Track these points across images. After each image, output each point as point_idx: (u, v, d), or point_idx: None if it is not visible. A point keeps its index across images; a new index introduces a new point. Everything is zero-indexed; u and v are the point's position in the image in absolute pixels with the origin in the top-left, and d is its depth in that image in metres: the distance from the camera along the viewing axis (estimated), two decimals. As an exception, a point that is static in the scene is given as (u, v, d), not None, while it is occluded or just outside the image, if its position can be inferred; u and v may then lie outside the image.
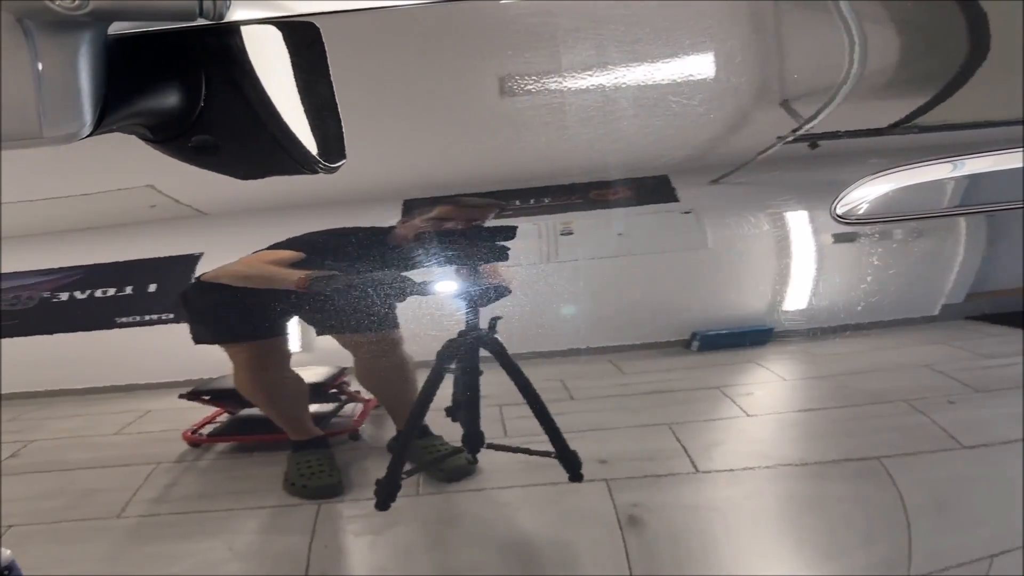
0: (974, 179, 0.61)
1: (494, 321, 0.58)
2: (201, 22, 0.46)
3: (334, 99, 0.56)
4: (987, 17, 0.63)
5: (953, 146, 0.62)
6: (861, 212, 0.60)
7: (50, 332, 0.59)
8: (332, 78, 0.56)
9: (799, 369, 0.65)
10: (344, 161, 0.56)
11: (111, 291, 0.58)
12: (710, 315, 0.63)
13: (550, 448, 0.61)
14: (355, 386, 0.62)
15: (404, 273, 0.58)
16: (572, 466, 0.62)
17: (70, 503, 0.64)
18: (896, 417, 0.65)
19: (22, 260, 0.59)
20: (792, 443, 0.67)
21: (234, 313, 0.61)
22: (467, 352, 0.58)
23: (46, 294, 0.58)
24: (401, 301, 0.59)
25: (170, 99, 0.52)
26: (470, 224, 0.58)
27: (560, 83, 0.58)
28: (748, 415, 0.64)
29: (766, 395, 0.65)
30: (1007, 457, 0.68)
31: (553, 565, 0.68)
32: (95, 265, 0.59)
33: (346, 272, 0.58)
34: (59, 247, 0.60)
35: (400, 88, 0.59)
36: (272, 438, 0.64)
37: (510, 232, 0.58)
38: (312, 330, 0.60)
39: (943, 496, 0.68)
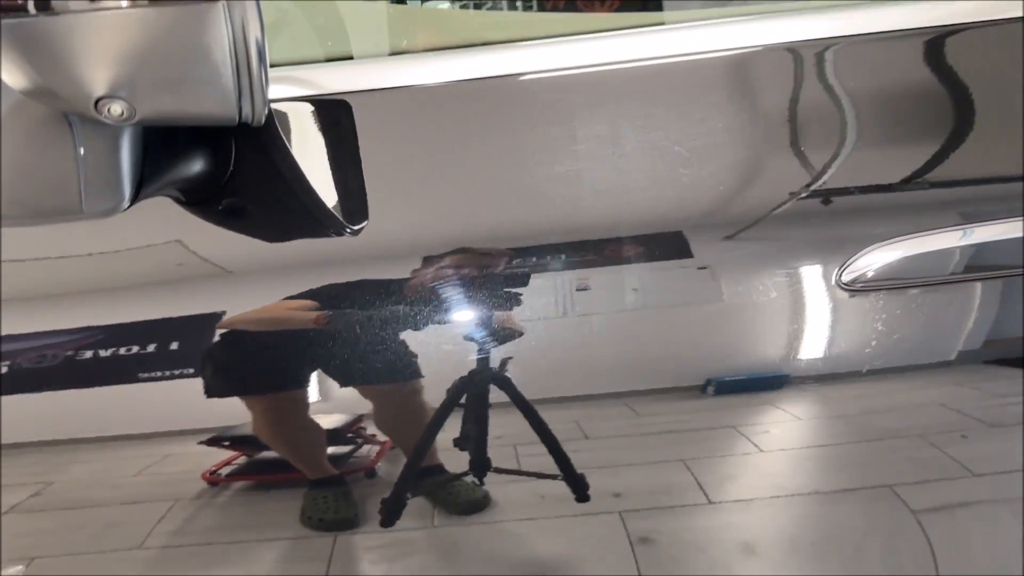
0: (984, 245, 0.61)
1: (505, 361, 0.60)
2: None
3: (360, 167, 0.59)
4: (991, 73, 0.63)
5: (967, 200, 0.62)
6: (868, 278, 0.61)
7: (74, 387, 0.61)
8: (359, 149, 0.60)
9: (814, 410, 0.66)
10: (366, 223, 0.58)
11: (135, 349, 0.60)
12: (725, 363, 0.63)
13: (556, 471, 0.63)
14: (371, 429, 0.63)
15: (419, 318, 0.59)
16: (579, 487, 0.64)
17: (93, 535, 0.66)
18: (909, 451, 0.66)
19: (49, 319, 0.61)
20: (806, 475, 0.68)
21: (252, 366, 0.63)
22: (478, 387, 0.59)
23: (70, 352, 0.60)
24: (412, 353, 0.60)
25: (201, 165, 0.54)
26: (483, 272, 0.59)
27: (575, 151, 0.60)
28: (762, 451, 0.64)
29: (781, 433, 0.65)
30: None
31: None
32: (119, 324, 0.61)
33: (363, 315, 0.59)
34: (86, 305, 0.62)
35: (424, 158, 0.62)
36: (289, 477, 0.65)
37: (524, 279, 0.59)
38: (328, 379, 0.62)
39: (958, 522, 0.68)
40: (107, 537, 0.66)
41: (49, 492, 0.64)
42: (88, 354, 0.61)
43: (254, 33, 0.44)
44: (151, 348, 0.60)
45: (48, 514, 0.64)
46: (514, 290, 0.59)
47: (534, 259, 0.60)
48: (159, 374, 0.60)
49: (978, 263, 0.63)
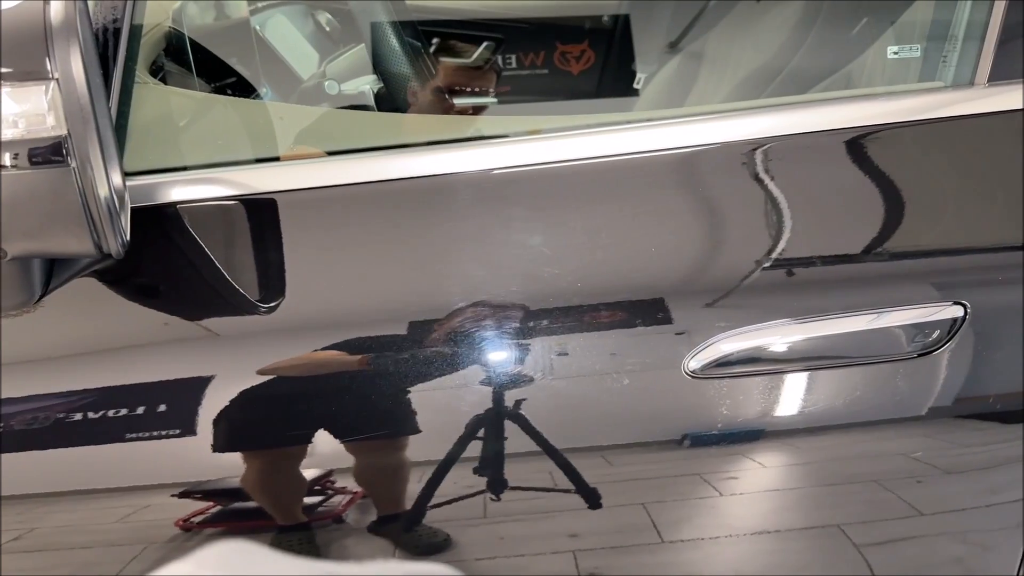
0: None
1: (519, 402, 0.67)
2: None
3: (281, 255, 0.68)
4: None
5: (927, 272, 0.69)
6: (714, 366, 0.66)
7: (63, 447, 0.66)
8: (282, 240, 0.69)
9: (782, 459, 0.71)
10: (282, 300, 0.67)
11: (123, 411, 0.65)
12: (701, 418, 0.68)
13: (570, 485, 0.69)
14: (341, 482, 0.69)
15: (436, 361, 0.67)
16: (591, 498, 0.69)
17: (70, 572, 0.69)
18: (865, 494, 0.72)
19: (39, 383, 0.66)
20: (760, 517, 0.73)
21: (265, 424, 0.69)
22: (496, 421, 0.67)
23: (61, 414, 0.65)
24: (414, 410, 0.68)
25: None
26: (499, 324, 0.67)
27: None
28: (721, 495, 0.70)
29: (744, 480, 0.71)
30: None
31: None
32: (104, 388, 0.66)
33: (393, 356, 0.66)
34: (80, 369, 0.67)
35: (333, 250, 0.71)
36: (260, 524, 0.70)
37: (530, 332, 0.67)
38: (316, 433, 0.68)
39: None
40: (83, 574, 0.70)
41: (30, 536, 0.67)
42: (78, 416, 0.65)
43: (102, 192, 0.54)
44: (139, 411, 0.65)
45: (30, 555, 0.68)
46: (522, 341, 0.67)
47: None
48: (146, 435, 0.65)
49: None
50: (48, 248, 0.56)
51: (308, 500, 0.70)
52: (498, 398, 0.67)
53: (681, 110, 0.77)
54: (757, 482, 0.71)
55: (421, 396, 0.67)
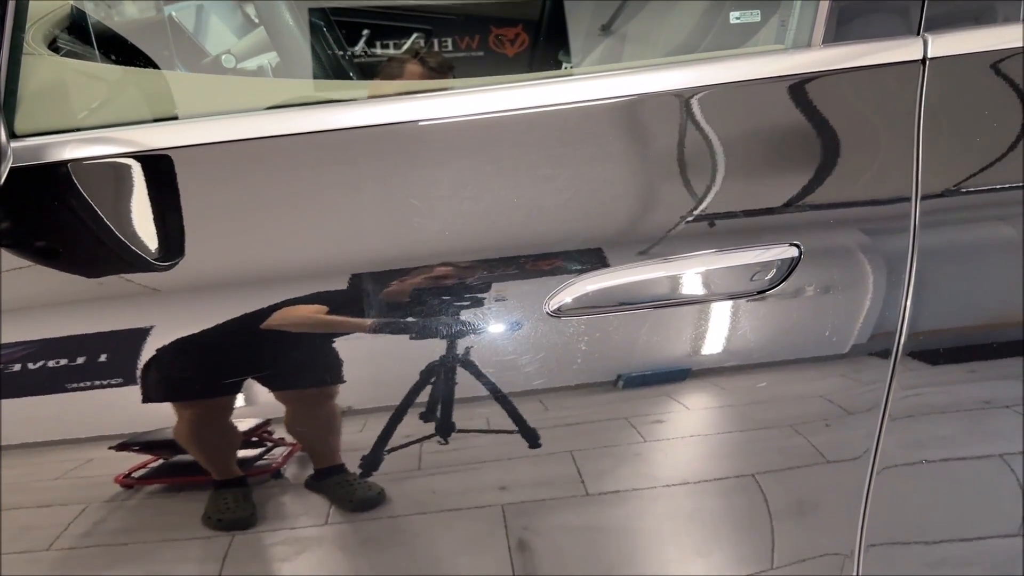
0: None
1: (468, 349, 0.73)
2: None
3: (179, 212, 0.73)
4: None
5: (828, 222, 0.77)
6: (571, 306, 0.74)
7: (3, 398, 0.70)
8: (180, 196, 0.73)
9: (706, 401, 0.78)
10: (181, 259, 0.72)
11: (63, 361, 0.69)
12: (635, 359, 0.76)
13: (512, 426, 0.75)
14: (279, 433, 0.74)
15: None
16: (532, 437, 0.76)
17: (6, 539, 0.73)
18: (779, 440, 0.80)
19: None
20: (683, 465, 0.80)
21: (192, 374, 0.73)
22: (447, 368, 0.73)
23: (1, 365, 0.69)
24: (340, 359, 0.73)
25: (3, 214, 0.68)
26: (461, 282, 0.73)
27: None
28: (645, 440, 0.78)
29: (669, 423, 0.78)
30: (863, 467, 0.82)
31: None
32: (48, 339, 0.70)
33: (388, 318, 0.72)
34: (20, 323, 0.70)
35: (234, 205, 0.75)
36: (198, 480, 0.75)
37: (487, 287, 0.74)
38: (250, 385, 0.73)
39: (805, 502, 0.83)
40: (19, 540, 0.73)
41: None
42: (16, 367, 0.69)
43: None
44: (80, 360, 0.69)
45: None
46: (479, 295, 0.74)
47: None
48: (88, 384, 0.70)
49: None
50: None
51: (245, 454, 0.75)
52: (441, 346, 0.74)
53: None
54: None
55: (344, 345, 0.73)
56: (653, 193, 0.77)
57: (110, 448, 0.71)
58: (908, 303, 0.77)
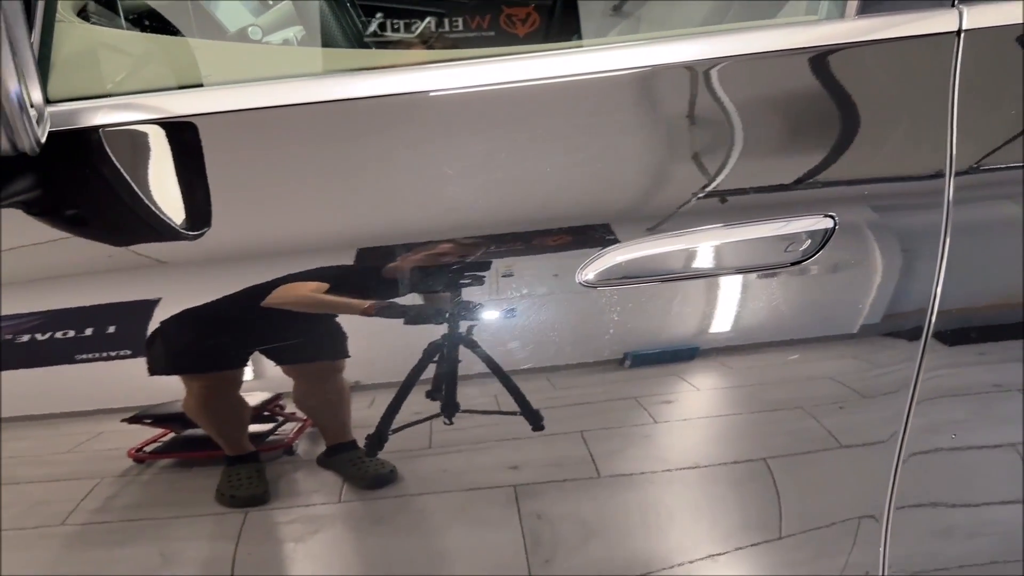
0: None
1: (471, 327, 0.72)
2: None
3: (204, 181, 0.72)
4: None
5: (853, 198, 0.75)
6: (606, 277, 0.73)
7: (10, 369, 0.69)
8: (205, 164, 0.72)
9: (714, 381, 0.77)
10: (208, 229, 0.71)
11: (71, 332, 0.69)
12: (642, 338, 0.75)
13: (516, 408, 0.74)
14: (290, 408, 0.73)
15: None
16: (535, 419, 0.75)
17: (19, 513, 0.73)
18: (790, 423, 0.79)
19: None
20: (694, 448, 0.80)
21: (198, 347, 0.73)
22: (450, 346, 0.72)
23: (8, 336, 0.69)
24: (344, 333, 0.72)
25: (31, 182, 0.69)
26: (462, 259, 0.72)
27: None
28: (656, 422, 0.77)
29: (678, 404, 0.77)
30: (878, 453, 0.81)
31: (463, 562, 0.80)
32: (59, 310, 0.70)
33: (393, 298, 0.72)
34: (29, 294, 0.70)
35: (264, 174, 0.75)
36: (210, 454, 0.74)
37: (486, 265, 0.73)
38: (259, 360, 0.72)
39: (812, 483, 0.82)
40: (32, 516, 0.73)
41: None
42: (25, 337, 0.69)
43: (12, 87, 0.59)
44: (88, 332, 0.69)
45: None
46: (481, 273, 0.73)
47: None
48: (96, 355, 0.69)
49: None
50: None
51: (257, 428, 0.74)
52: (447, 324, 0.73)
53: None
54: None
55: (350, 321, 0.72)
56: (687, 164, 0.76)
57: (123, 421, 0.71)
58: (941, 280, 0.76)
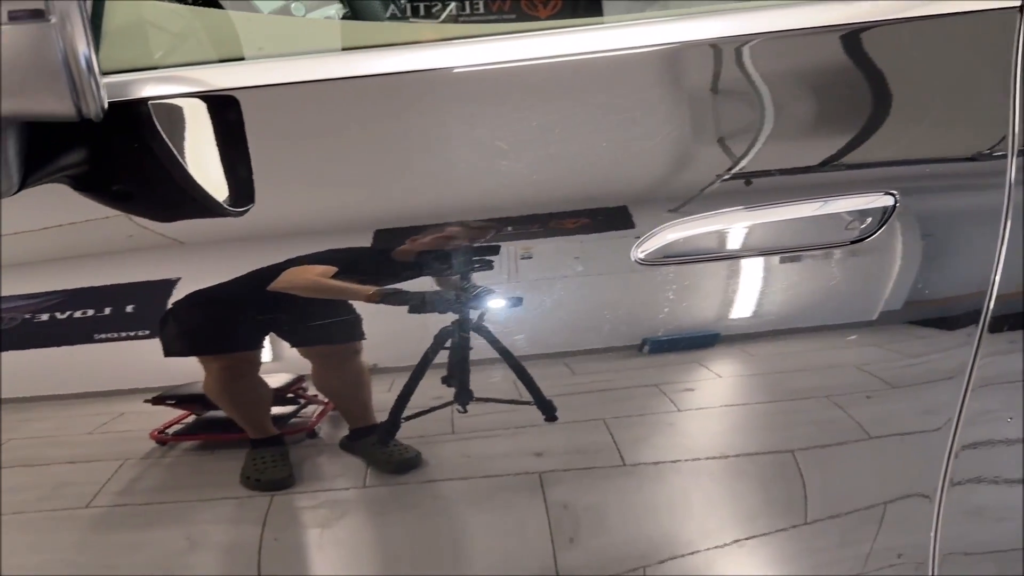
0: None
1: (483, 314, 0.71)
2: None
3: (247, 156, 0.70)
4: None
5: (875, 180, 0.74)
6: (662, 255, 0.72)
7: (31, 347, 0.69)
8: (247, 140, 0.71)
9: (736, 368, 0.76)
10: (251, 206, 0.70)
11: (91, 312, 0.68)
12: (660, 323, 0.73)
13: (529, 398, 0.73)
14: (312, 391, 0.73)
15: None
16: (548, 409, 0.74)
17: (42, 495, 0.72)
18: (816, 412, 0.77)
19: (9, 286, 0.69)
20: (717, 436, 0.78)
21: (212, 328, 0.72)
22: (462, 333, 0.71)
23: (27, 315, 0.68)
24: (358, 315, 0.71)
25: (83, 156, 0.67)
26: (471, 242, 0.71)
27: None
28: (679, 410, 0.75)
29: (701, 392, 0.75)
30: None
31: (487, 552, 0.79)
32: (77, 289, 0.69)
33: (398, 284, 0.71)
34: (46, 274, 0.70)
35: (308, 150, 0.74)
36: (233, 437, 0.74)
37: (496, 249, 0.71)
38: (278, 341, 0.72)
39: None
40: (56, 498, 0.73)
41: (3, 450, 0.70)
42: (45, 316, 0.68)
43: (81, 48, 0.57)
44: (107, 311, 0.69)
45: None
46: (490, 258, 0.71)
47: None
48: (115, 335, 0.69)
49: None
50: (30, 108, 0.59)
51: (279, 411, 0.73)
52: (463, 307, 0.71)
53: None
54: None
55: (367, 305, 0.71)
56: (745, 140, 0.74)
57: (145, 401, 0.70)
58: (1001, 263, 0.74)
